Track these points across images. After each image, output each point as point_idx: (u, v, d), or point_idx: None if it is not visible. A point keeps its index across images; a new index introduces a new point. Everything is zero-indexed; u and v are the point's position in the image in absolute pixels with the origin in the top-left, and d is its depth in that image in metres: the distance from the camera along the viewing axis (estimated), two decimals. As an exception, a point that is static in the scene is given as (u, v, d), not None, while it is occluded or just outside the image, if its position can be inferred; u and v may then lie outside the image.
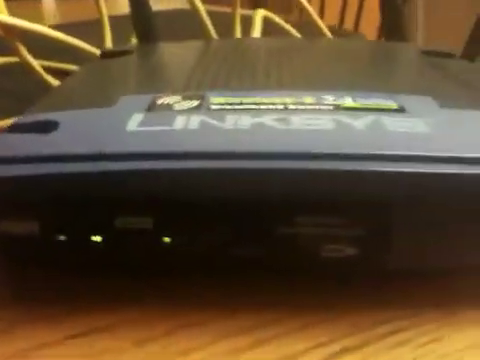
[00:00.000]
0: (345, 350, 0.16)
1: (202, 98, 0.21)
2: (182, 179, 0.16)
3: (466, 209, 0.17)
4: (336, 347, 0.17)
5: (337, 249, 0.17)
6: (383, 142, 0.17)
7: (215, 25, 0.39)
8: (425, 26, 1.30)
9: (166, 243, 0.17)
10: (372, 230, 0.17)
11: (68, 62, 0.43)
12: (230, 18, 0.41)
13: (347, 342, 0.17)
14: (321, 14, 0.96)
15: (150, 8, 0.34)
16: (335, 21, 0.91)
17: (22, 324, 0.18)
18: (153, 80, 0.24)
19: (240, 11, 0.42)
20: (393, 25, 0.33)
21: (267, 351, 0.16)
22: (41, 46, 0.35)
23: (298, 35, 0.45)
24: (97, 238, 0.17)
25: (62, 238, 0.17)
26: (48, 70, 0.36)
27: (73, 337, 0.17)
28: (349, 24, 0.89)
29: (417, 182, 0.16)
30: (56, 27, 0.40)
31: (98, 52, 0.37)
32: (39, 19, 0.77)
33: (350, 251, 0.17)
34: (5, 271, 0.20)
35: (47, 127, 0.19)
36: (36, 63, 0.35)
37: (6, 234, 0.17)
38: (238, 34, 0.42)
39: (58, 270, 0.19)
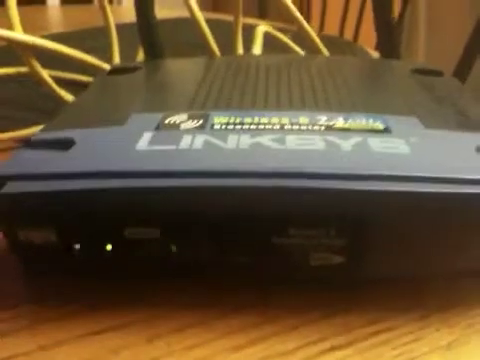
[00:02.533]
0: (334, 348, 0.18)
1: (206, 117, 0.23)
2: (186, 196, 0.18)
3: (444, 225, 0.18)
4: (326, 345, 0.18)
5: (324, 258, 0.19)
6: (366, 162, 0.19)
7: (217, 34, 0.40)
8: (427, 38, 1.31)
9: (171, 252, 0.19)
10: (354, 242, 0.19)
11: (76, 72, 0.45)
12: (232, 27, 0.42)
13: (336, 341, 0.19)
14: (321, 24, 0.97)
15: (156, 24, 0.35)
16: (335, 30, 0.92)
17: (42, 322, 0.19)
18: (160, 98, 0.26)
19: (242, 20, 0.43)
20: (387, 43, 0.35)
21: (265, 348, 0.18)
22: (49, 56, 0.36)
23: (298, 48, 0.47)
24: (108, 247, 0.19)
25: (77, 247, 0.19)
26: (57, 80, 0.38)
27: (90, 334, 0.19)
28: (349, 34, 0.90)
29: (391, 200, 0.18)
30: (62, 35, 0.42)
31: (106, 66, 0.38)
32: (44, 26, 0.78)
33: (336, 260, 0.19)
34: (26, 275, 0.22)
35: (64, 145, 0.21)
36: (46, 75, 0.36)
37: (27, 243, 0.19)
38: (240, 45, 0.43)
39: (73, 276, 0.21)
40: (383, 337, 0.19)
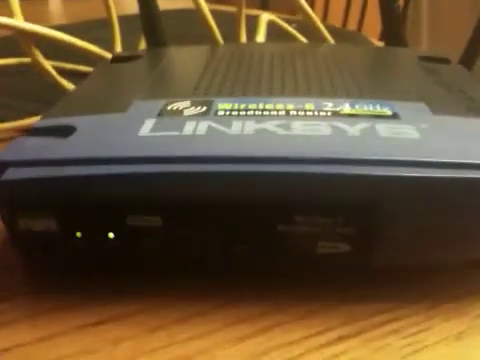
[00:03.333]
0: (341, 338, 0.18)
1: (210, 104, 0.22)
2: (190, 182, 0.18)
3: (453, 211, 0.18)
4: (333, 335, 0.18)
5: (331, 246, 0.18)
6: (374, 148, 0.18)
7: (220, 25, 0.40)
8: (429, 29, 1.30)
9: (174, 240, 0.19)
10: (362, 229, 0.18)
11: (79, 63, 0.44)
12: (235, 18, 0.42)
13: (343, 331, 0.18)
14: (325, 15, 0.97)
15: (159, 13, 0.35)
16: (339, 21, 0.92)
17: (40, 313, 0.19)
18: (163, 85, 0.26)
19: (245, 11, 0.43)
20: (392, 31, 0.35)
21: (269, 339, 0.18)
22: (52, 46, 0.36)
23: (302, 37, 0.46)
24: (110, 235, 0.19)
25: (78, 235, 0.19)
26: (59, 71, 0.37)
27: (89, 325, 0.18)
28: (353, 24, 0.90)
29: (403, 185, 0.17)
30: (65, 27, 0.41)
31: (109, 55, 0.38)
32: (46, 18, 0.78)
33: (343, 248, 0.18)
34: (25, 266, 0.21)
35: (65, 132, 0.20)
36: (48, 64, 0.36)
37: (27, 231, 0.19)
38: (243, 35, 0.43)
39: (74, 266, 0.21)
40: (391, 327, 0.18)
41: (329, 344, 0.18)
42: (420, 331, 0.18)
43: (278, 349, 0.17)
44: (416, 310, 0.19)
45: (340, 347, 0.18)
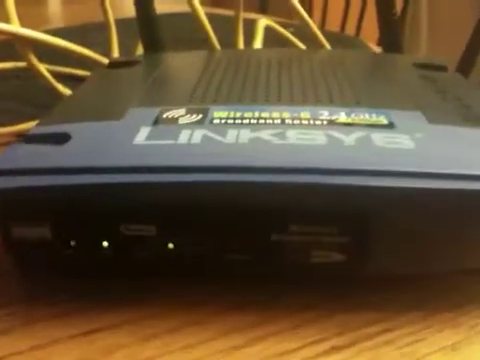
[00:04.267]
0: (335, 348, 0.18)
1: (205, 112, 0.22)
2: (184, 191, 0.18)
3: (449, 222, 0.18)
4: (327, 345, 0.18)
5: (325, 255, 0.18)
6: (370, 158, 0.18)
7: (218, 28, 0.40)
8: (429, 34, 1.30)
9: (168, 249, 0.19)
10: (357, 239, 0.18)
11: (75, 67, 0.44)
12: (233, 21, 0.42)
13: (337, 341, 0.18)
14: (323, 20, 0.97)
15: (156, 17, 0.35)
16: (337, 26, 0.92)
17: (35, 321, 0.19)
18: (159, 92, 0.26)
19: (243, 15, 0.43)
20: (389, 37, 0.35)
21: (264, 348, 0.18)
22: (48, 51, 0.36)
23: (299, 42, 0.46)
24: (104, 244, 0.19)
25: (72, 244, 0.19)
26: (55, 75, 0.37)
27: (85, 334, 0.18)
28: (351, 29, 0.90)
29: (397, 196, 0.17)
30: (63, 30, 0.42)
31: (105, 60, 0.38)
32: (45, 20, 0.78)
33: (337, 257, 0.18)
34: (19, 273, 0.21)
35: (60, 139, 0.20)
36: (44, 69, 0.36)
37: (21, 240, 0.19)
38: (240, 40, 0.43)
39: (68, 275, 0.21)
40: (385, 337, 0.18)
41: (323, 354, 0.18)
42: (415, 341, 0.18)
43: (273, 359, 0.17)
44: (411, 320, 0.19)
45: (333, 358, 0.17)
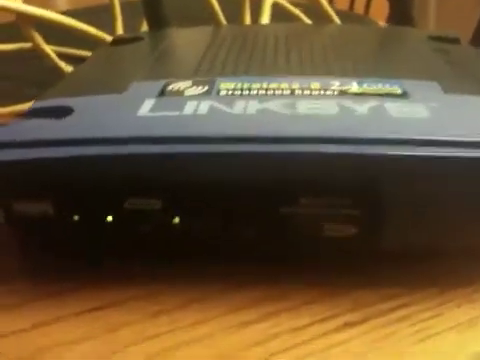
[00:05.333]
0: (348, 324, 0.17)
1: (212, 83, 0.21)
2: (191, 162, 0.17)
3: (465, 192, 0.17)
4: (339, 321, 0.17)
5: (338, 229, 0.18)
6: (384, 126, 0.18)
7: (224, 7, 0.39)
8: (437, 11, 1.28)
9: (174, 224, 0.18)
10: (370, 210, 0.17)
11: (81, 48, 0.44)
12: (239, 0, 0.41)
13: (350, 317, 0.18)
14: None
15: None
16: (346, 5, 0.90)
17: (39, 299, 0.18)
18: (163, 66, 0.25)
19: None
20: (400, 10, 0.34)
21: (274, 325, 0.17)
22: (54, 32, 0.36)
23: (308, 20, 0.45)
24: (109, 218, 0.18)
25: (76, 218, 0.18)
26: (61, 56, 0.37)
27: (89, 311, 0.18)
28: (359, 8, 0.88)
29: (412, 165, 0.17)
30: (67, 13, 0.41)
31: (110, 38, 0.37)
32: (49, 4, 0.77)
33: (351, 230, 0.18)
34: (22, 250, 0.21)
35: (62, 113, 0.20)
36: (49, 49, 0.35)
37: (22, 215, 0.18)
38: (247, 17, 0.42)
39: (71, 251, 0.20)
40: (400, 313, 0.18)
41: (335, 331, 0.17)
42: (430, 317, 0.17)
43: (283, 335, 0.17)
44: (426, 296, 0.18)
45: (346, 334, 0.17)
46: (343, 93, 0.20)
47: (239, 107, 0.19)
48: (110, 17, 0.44)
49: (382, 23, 0.56)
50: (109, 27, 0.39)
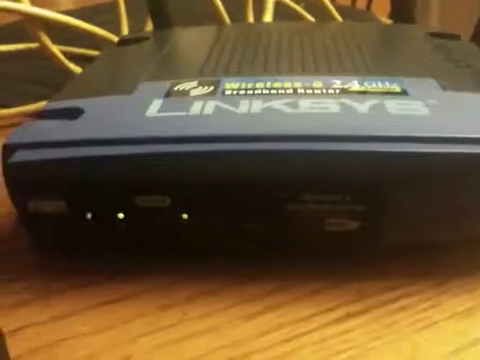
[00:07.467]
0: (350, 315, 0.18)
1: (217, 84, 0.22)
2: (198, 161, 0.18)
3: (464, 188, 0.18)
4: (342, 312, 0.18)
5: (340, 223, 0.18)
6: (384, 124, 0.18)
7: (227, 4, 0.39)
8: (439, 7, 1.28)
9: (183, 220, 0.19)
10: (371, 206, 0.18)
11: (87, 47, 0.44)
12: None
13: (352, 308, 0.18)
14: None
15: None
16: (348, 0, 0.90)
17: (54, 293, 0.19)
18: (169, 66, 0.26)
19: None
20: (401, 7, 0.34)
21: (279, 315, 0.18)
22: (60, 31, 0.36)
23: (310, 17, 0.46)
24: (120, 216, 0.19)
25: (88, 216, 0.19)
26: (67, 55, 0.37)
27: (103, 304, 0.19)
28: (361, 4, 0.88)
29: (412, 161, 0.17)
30: (73, 12, 0.42)
31: (116, 38, 0.38)
32: (54, 3, 0.77)
33: (352, 225, 0.18)
34: (37, 246, 0.22)
35: (73, 114, 0.20)
36: (56, 49, 0.36)
37: (36, 213, 0.19)
38: (250, 15, 0.43)
39: (84, 247, 0.21)
40: (400, 304, 0.18)
41: (338, 321, 0.18)
42: (429, 307, 0.18)
43: (288, 326, 0.18)
44: (425, 286, 0.19)
45: (349, 324, 0.18)
46: (344, 91, 0.21)
47: (244, 106, 0.20)
48: (108, 16, 0.44)
49: (384, 18, 0.56)
50: (108, 26, 0.40)
